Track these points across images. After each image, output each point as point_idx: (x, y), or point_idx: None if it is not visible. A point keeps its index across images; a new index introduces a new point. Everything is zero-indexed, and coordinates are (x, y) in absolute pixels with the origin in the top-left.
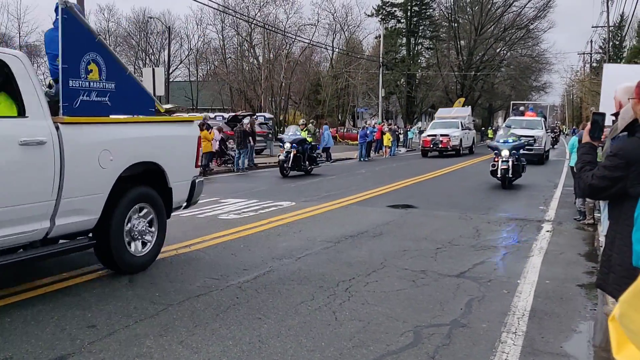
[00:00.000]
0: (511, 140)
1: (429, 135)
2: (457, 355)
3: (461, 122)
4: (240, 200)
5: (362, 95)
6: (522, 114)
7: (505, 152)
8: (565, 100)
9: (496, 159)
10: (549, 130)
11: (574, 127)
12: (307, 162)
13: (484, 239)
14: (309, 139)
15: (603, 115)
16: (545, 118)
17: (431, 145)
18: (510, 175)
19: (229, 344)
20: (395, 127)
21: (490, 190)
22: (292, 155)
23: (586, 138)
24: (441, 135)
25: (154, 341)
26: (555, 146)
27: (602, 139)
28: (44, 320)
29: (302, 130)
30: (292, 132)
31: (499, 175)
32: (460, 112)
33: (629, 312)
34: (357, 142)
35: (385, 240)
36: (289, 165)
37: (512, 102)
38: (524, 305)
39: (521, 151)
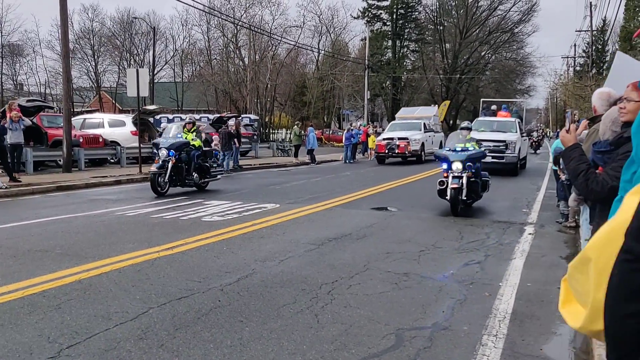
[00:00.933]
0: (466, 148)
1: (384, 139)
2: (438, 358)
3: (424, 124)
4: (224, 202)
5: (347, 97)
6: (494, 113)
7: (457, 165)
8: (549, 103)
9: (445, 175)
10: (525, 134)
11: (557, 129)
12: (195, 175)
13: (467, 242)
14: (196, 143)
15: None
16: (521, 119)
17: (386, 151)
18: (464, 197)
19: (210, 347)
20: (381, 129)
21: None
22: (169, 165)
23: (574, 139)
24: (399, 138)
25: (134, 345)
26: (539, 151)
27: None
28: (22, 323)
29: (187, 131)
30: (172, 134)
31: (447, 197)
32: (424, 112)
33: (575, 274)
34: (343, 144)
35: (369, 243)
36: (165, 180)
37: (482, 99)
38: (505, 307)
39: (488, 159)
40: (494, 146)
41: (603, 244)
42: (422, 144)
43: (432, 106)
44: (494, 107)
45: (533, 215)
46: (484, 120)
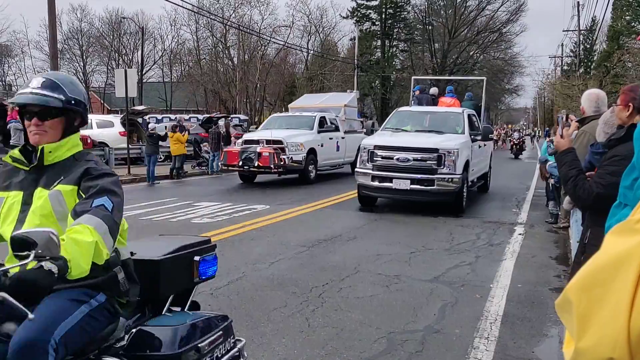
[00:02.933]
0: None
1: (245, 142)
2: None
3: (323, 118)
4: (214, 204)
5: None
6: (434, 100)
7: None
8: (537, 102)
9: None
10: (481, 136)
11: (546, 128)
12: None
13: (458, 243)
14: None
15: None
16: (477, 110)
17: (239, 163)
18: None
19: None
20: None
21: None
22: None
23: (568, 143)
24: (266, 142)
25: None
26: (521, 156)
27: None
28: None
29: None
30: None
31: None
32: (334, 100)
33: (562, 313)
34: None
35: (359, 244)
36: None
37: (413, 77)
38: (496, 309)
39: (404, 185)
40: (415, 160)
41: (583, 287)
42: (311, 152)
43: (350, 92)
44: (433, 90)
45: (523, 215)
46: (411, 111)
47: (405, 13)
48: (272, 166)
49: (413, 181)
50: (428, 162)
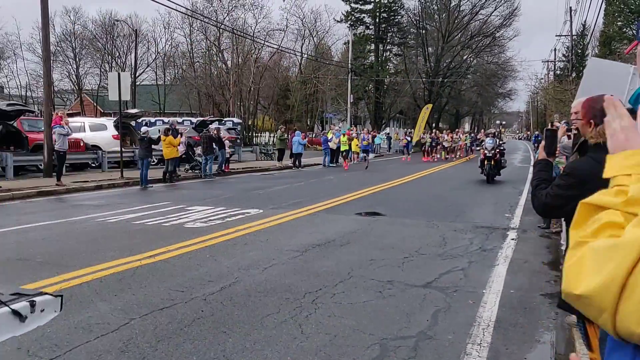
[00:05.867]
0: None
1: None
2: None
3: None
4: (207, 208)
5: (330, 100)
6: None
7: None
8: (530, 106)
9: None
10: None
11: (536, 132)
12: None
13: (451, 248)
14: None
15: (555, 131)
16: None
17: None
18: None
19: (193, 359)
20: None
21: (458, 197)
22: None
23: (542, 154)
24: None
25: (115, 357)
26: (499, 176)
27: (556, 154)
28: None
29: None
30: None
31: None
32: None
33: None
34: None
35: (353, 250)
36: None
37: None
38: (489, 315)
39: None
40: None
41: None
42: None
43: None
44: None
45: (515, 220)
46: None
47: (399, 17)
48: None
49: None
50: None
